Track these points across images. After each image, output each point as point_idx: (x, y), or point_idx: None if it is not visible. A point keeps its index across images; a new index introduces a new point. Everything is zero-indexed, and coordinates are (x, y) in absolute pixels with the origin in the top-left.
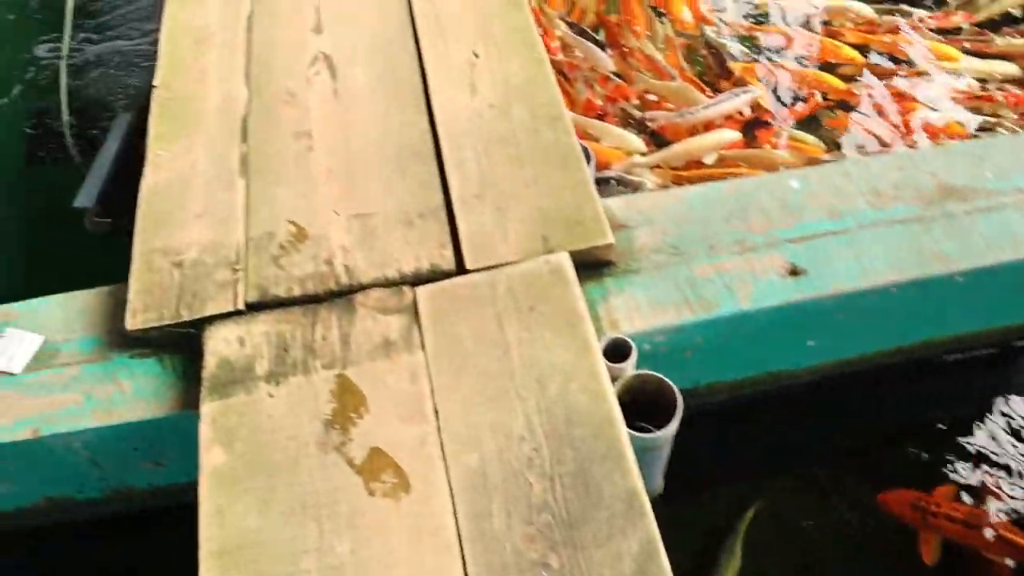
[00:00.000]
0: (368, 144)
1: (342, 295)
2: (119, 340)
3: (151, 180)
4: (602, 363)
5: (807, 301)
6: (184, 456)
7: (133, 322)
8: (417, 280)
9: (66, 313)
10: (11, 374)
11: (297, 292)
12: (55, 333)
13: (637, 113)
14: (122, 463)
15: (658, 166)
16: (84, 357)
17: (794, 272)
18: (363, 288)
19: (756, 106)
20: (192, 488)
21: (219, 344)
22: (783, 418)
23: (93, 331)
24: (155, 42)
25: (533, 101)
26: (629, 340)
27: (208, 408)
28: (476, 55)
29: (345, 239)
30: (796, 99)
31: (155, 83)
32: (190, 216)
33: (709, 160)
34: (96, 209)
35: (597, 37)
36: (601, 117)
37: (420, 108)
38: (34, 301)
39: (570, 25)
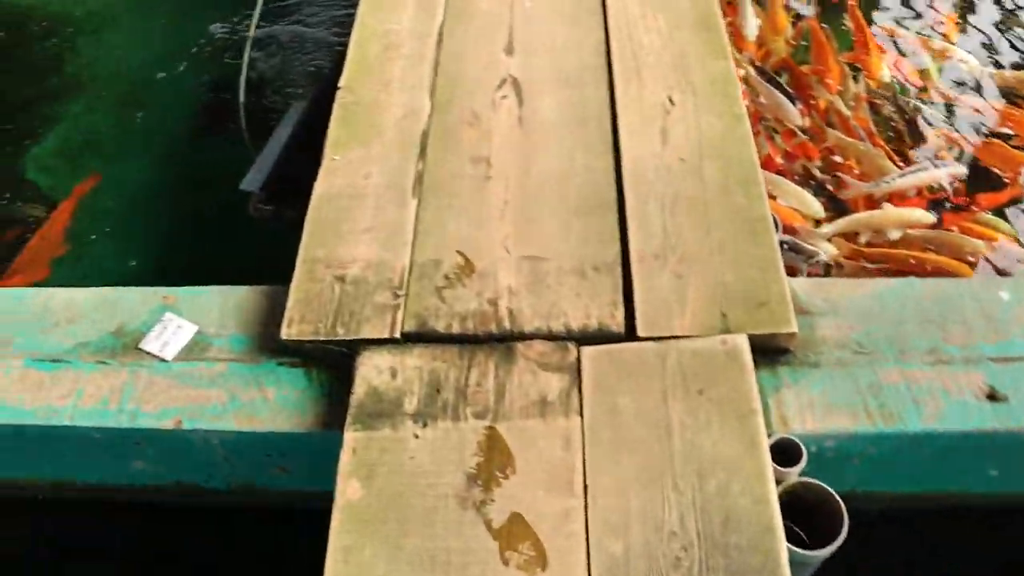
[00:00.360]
0: (548, 181)
1: (502, 340)
2: (270, 344)
3: (323, 186)
4: (769, 465)
5: (1004, 432)
6: (313, 470)
7: (288, 331)
8: (583, 338)
9: (223, 307)
10: (163, 360)
11: (456, 329)
12: (209, 326)
13: (819, 174)
14: (252, 465)
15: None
16: (234, 355)
17: (993, 396)
18: (525, 337)
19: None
20: (314, 496)
21: (371, 371)
22: (942, 537)
23: (246, 330)
24: (338, 34)
25: (727, 160)
26: (800, 444)
27: (351, 436)
28: (672, 101)
29: (513, 280)
30: (994, 179)
31: (340, 84)
32: (358, 229)
33: (893, 236)
34: (261, 195)
35: (786, 86)
36: (780, 173)
37: (606, 150)
38: (194, 289)
39: (759, 70)
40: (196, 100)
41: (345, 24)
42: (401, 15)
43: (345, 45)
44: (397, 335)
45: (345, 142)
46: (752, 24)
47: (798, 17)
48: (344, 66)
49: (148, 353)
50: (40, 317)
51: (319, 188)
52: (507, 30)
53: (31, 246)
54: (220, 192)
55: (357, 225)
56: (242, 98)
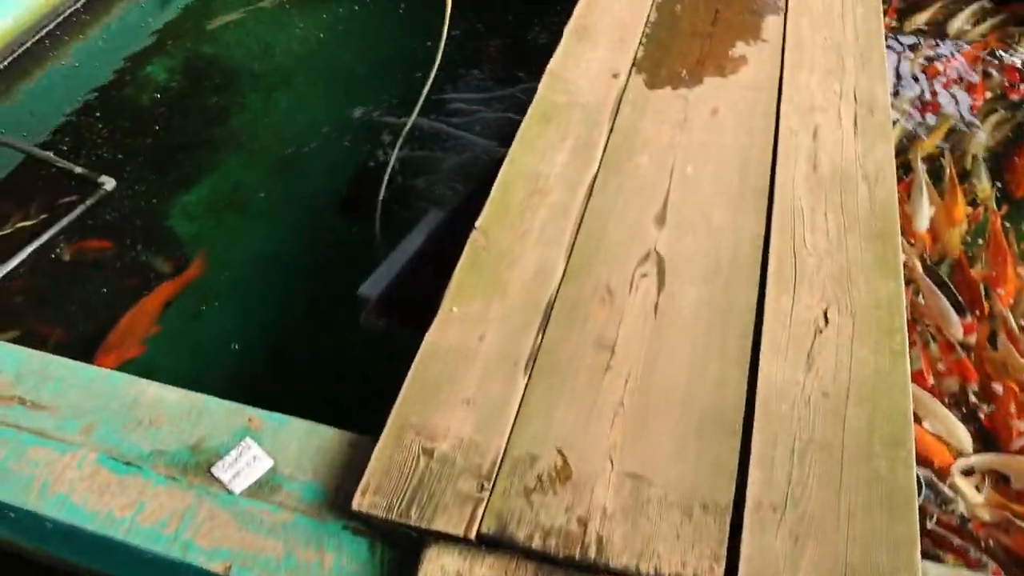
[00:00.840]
0: (673, 388)
1: (584, 569)
2: (342, 501)
3: (434, 338)
4: None
5: None
6: None
7: (360, 501)
8: None
9: (304, 446)
10: (230, 492)
11: (537, 543)
12: (285, 464)
13: (974, 398)
14: None
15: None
16: (302, 505)
17: None
18: (610, 572)
19: None
20: None
21: (435, 572)
22: None
23: (321, 479)
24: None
25: (875, 408)
26: None
27: None
28: (826, 319)
29: (610, 501)
30: None
31: (477, 224)
32: (458, 399)
33: None
34: (376, 306)
35: (953, 289)
36: (929, 390)
37: (743, 364)
38: (280, 417)
39: (925, 266)
40: (343, 176)
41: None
42: (554, 158)
43: (493, 160)
44: (472, 535)
45: (468, 292)
46: (925, 211)
47: (974, 204)
48: (485, 204)
49: (218, 480)
50: (127, 410)
51: (430, 338)
52: (662, 196)
53: (126, 320)
54: (341, 283)
55: (458, 393)
56: (382, 193)
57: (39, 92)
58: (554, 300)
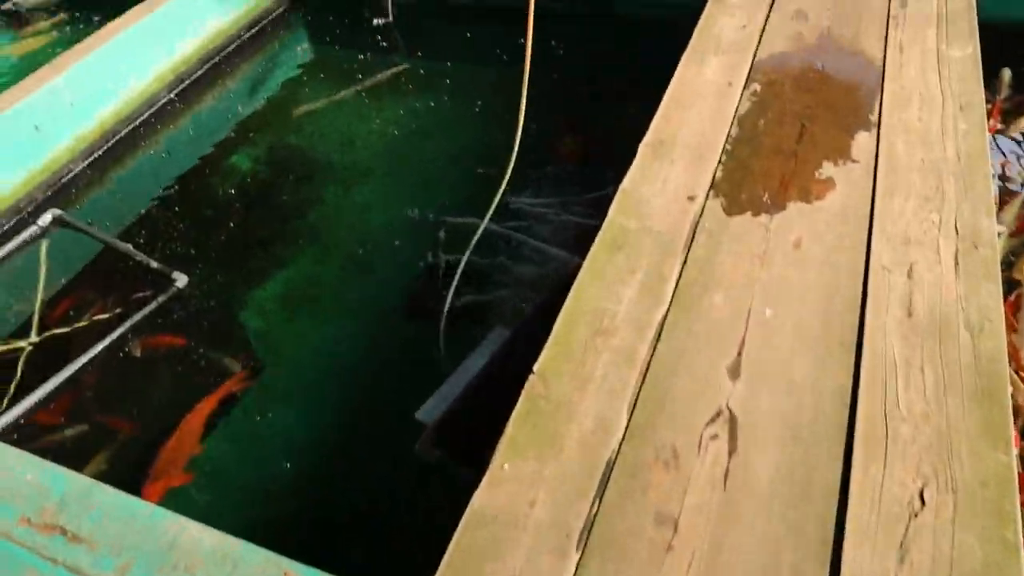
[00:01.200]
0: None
1: None
2: None
3: (482, 500)
4: None
5: None
6: None
7: None
8: None
9: None
10: None
11: None
12: None
13: None
14: None
15: None
16: None
17: None
18: None
19: None
20: None
21: None
22: None
23: None
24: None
25: None
26: None
27: None
28: (922, 499)
29: None
30: None
31: (535, 368)
32: (504, 574)
33: None
34: (432, 434)
35: None
36: None
37: (823, 555)
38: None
39: None
40: (411, 279)
41: (579, 238)
42: (622, 293)
43: (565, 273)
44: None
45: (522, 447)
46: None
47: None
48: (546, 345)
49: None
50: (165, 552)
51: (477, 501)
52: (737, 343)
53: (171, 445)
54: (400, 396)
55: (503, 569)
56: (448, 303)
57: (129, 180)
58: (614, 461)
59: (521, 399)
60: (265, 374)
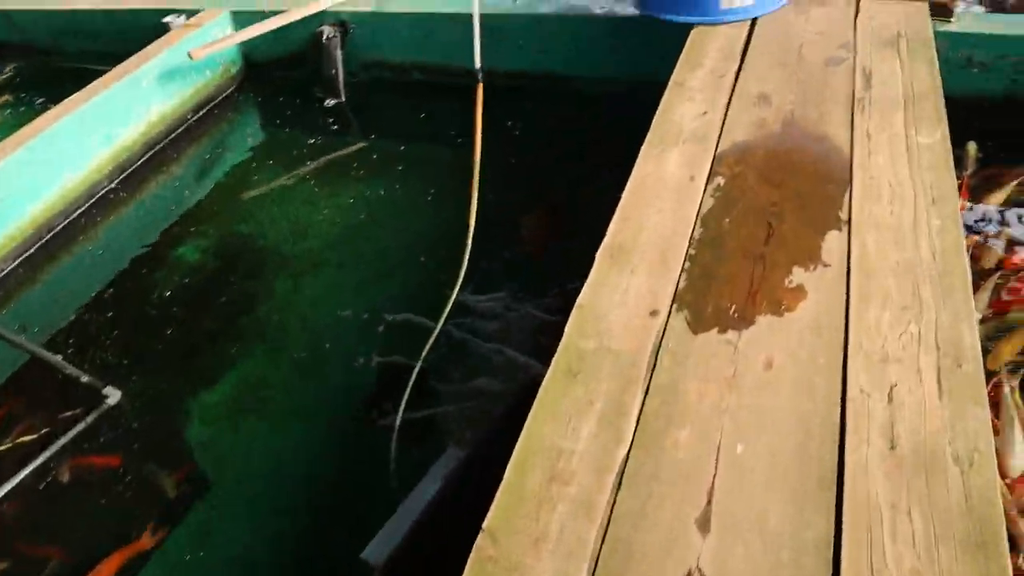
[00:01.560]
0: None
1: None
2: None
3: None
4: None
5: None
6: None
7: None
8: None
9: None
10: None
11: None
12: None
13: None
14: None
15: None
16: None
17: None
18: None
19: None
20: None
21: None
22: None
23: None
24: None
25: None
26: None
27: None
28: None
29: None
30: None
31: (484, 525)
32: None
33: None
34: None
35: None
36: None
37: None
38: None
39: None
40: (364, 383)
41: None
42: (579, 431)
43: (526, 382)
44: None
45: None
46: (1021, 452)
47: None
48: (496, 493)
49: None
50: None
51: None
52: (706, 488)
53: None
54: (349, 520)
55: None
56: (399, 418)
57: (64, 278)
58: None
59: (469, 564)
60: (208, 492)
